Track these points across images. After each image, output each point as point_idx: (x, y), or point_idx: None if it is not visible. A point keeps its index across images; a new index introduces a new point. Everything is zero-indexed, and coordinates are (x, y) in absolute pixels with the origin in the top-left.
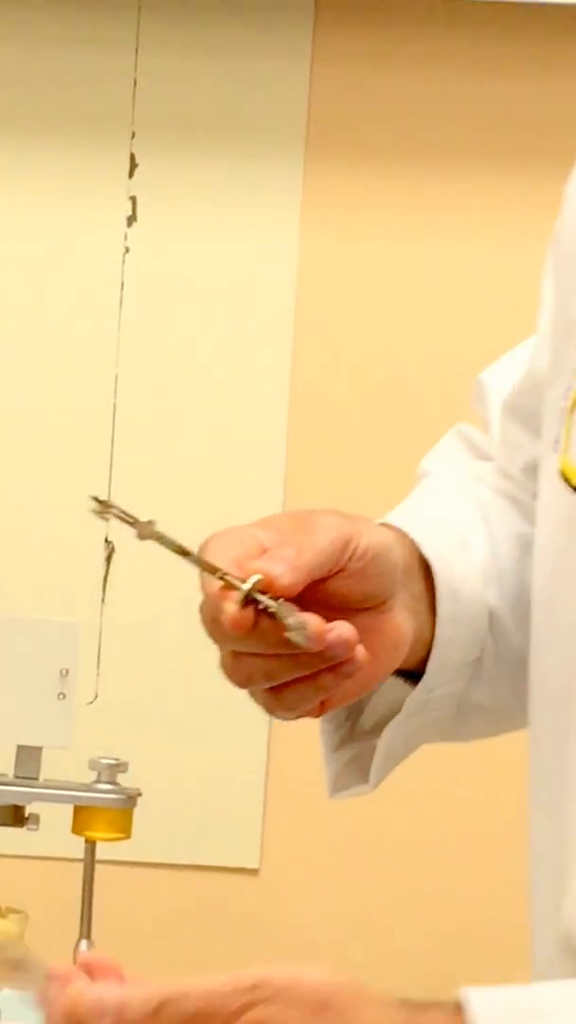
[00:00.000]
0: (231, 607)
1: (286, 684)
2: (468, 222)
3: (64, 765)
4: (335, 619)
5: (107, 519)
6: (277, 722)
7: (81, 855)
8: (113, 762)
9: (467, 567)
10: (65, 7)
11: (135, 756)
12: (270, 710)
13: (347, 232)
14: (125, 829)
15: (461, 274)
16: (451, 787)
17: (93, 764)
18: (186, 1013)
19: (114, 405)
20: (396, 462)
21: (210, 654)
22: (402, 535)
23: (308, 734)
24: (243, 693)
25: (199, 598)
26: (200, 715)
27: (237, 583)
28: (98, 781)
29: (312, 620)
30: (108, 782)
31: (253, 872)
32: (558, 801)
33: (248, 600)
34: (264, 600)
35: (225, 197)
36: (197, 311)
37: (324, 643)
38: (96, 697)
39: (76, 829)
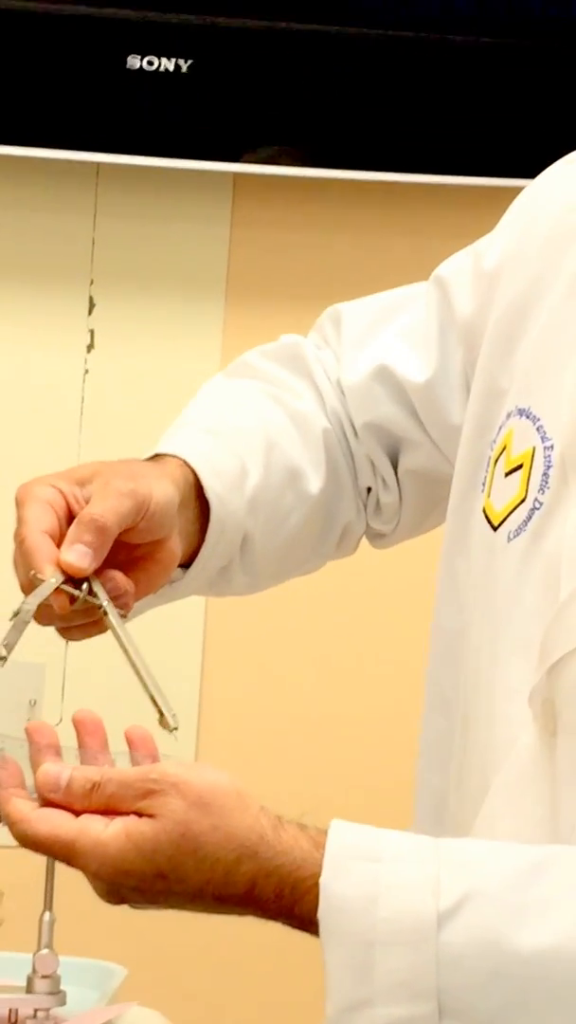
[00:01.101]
0: (62, 605)
1: (76, 625)
2: None
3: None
4: (119, 553)
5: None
6: (205, 735)
7: None
8: None
9: (239, 499)
10: (37, 180)
11: None
12: (61, 635)
13: None
14: None
15: None
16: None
17: None
18: (106, 793)
19: None
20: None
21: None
22: (186, 471)
23: (233, 742)
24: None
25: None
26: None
27: (70, 590)
28: None
29: (123, 584)
30: None
31: None
32: (451, 697)
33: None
34: (94, 601)
35: (163, 330)
36: (142, 421)
37: (128, 609)
38: (61, 720)
39: None
